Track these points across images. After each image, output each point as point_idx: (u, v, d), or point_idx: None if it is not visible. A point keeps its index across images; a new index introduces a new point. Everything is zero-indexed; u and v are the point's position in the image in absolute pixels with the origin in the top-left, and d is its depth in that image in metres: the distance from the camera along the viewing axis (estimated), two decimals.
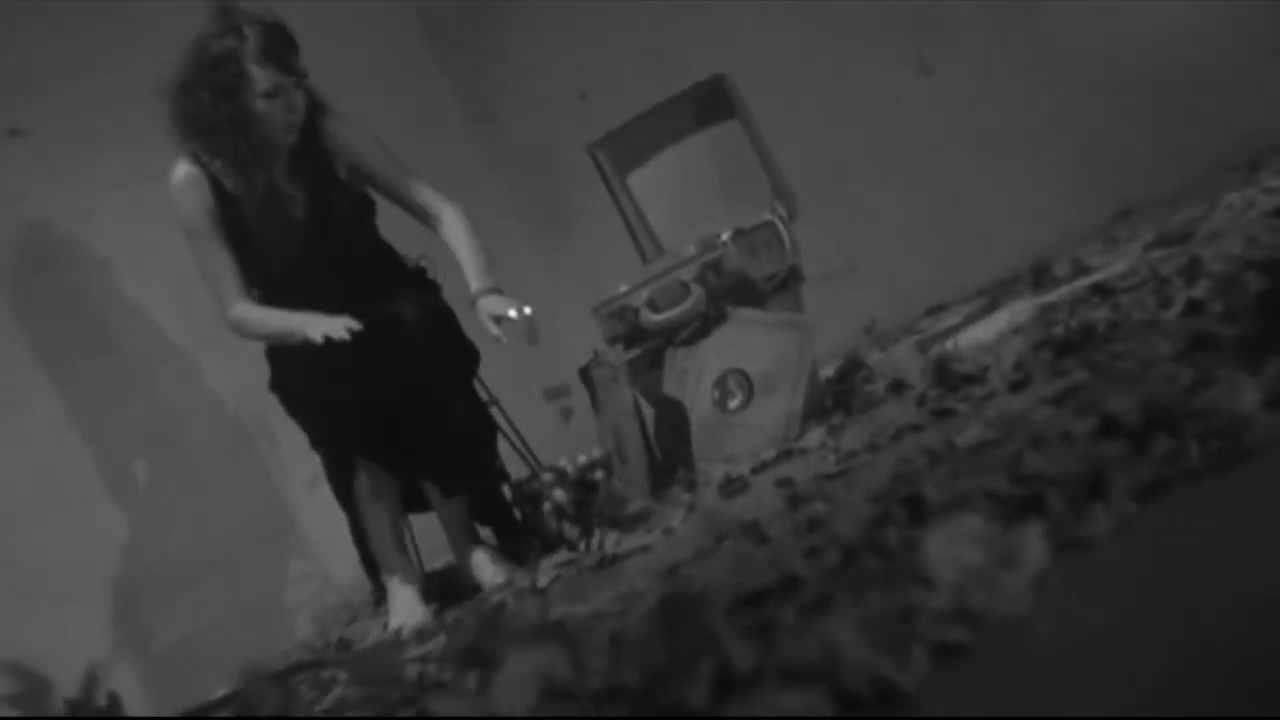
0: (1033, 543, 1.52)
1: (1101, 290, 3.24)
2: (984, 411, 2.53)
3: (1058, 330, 2.82)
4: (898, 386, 3.40)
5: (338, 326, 3.37)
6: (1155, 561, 1.49)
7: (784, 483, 2.75)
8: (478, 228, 3.60)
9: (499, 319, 3.45)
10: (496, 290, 3.49)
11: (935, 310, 4.81)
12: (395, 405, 3.47)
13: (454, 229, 3.57)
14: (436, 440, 3.51)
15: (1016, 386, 2.67)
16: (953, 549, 1.49)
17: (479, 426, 3.61)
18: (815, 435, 3.38)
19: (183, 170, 3.51)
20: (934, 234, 5.07)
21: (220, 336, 3.69)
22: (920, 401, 2.96)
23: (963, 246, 4.99)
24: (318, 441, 3.56)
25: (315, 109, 3.55)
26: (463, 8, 5.74)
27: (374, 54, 5.45)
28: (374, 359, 3.42)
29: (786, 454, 3.34)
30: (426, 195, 3.62)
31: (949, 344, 3.50)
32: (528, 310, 3.41)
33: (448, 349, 3.56)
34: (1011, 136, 4.93)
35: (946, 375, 2.94)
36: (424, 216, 3.64)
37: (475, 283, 3.52)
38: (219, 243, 3.50)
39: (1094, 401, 1.92)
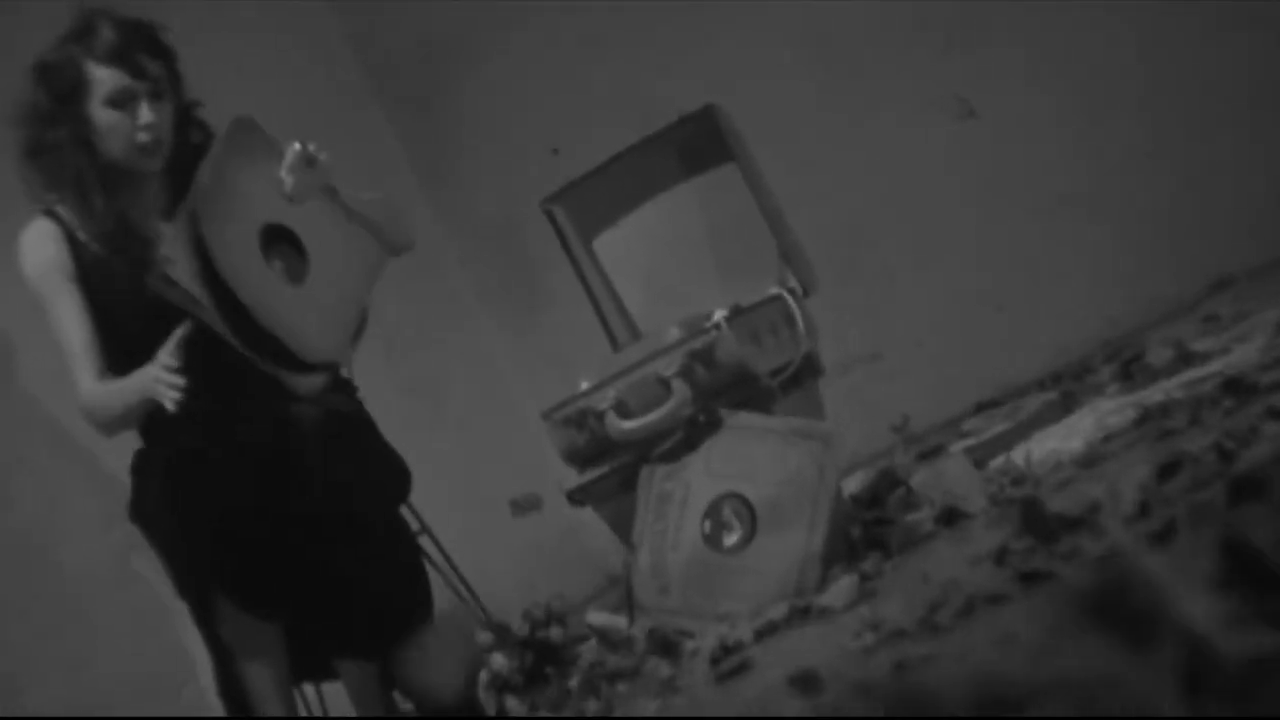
0: None
1: (1237, 387, 2.72)
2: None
3: (1194, 449, 2.24)
4: (951, 517, 2.95)
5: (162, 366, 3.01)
6: None
7: (802, 681, 2.06)
8: (432, 308, 3.46)
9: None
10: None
11: (985, 407, 4.47)
12: (289, 535, 3.07)
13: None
14: (348, 583, 3.14)
15: (1154, 541, 1.95)
16: None
17: (406, 565, 3.28)
18: (842, 587, 2.85)
19: (34, 224, 3.25)
20: (980, 312, 4.82)
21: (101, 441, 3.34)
22: (999, 557, 2.25)
23: (1016, 327, 4.73)
24: (185, 585, 3.15)
25: (202, 144, 3.28)
26: (414, 52, 5.62)
27: (311, 107, 5.25)
28: (261, 471, 3.06)
29: (803, 612, 2.85)
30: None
31: (1018, 457, 3.09)
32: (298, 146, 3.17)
33: (362, 460, 3.22)
34: (1074, 193, 4.66)
35: (1038, 520, 2.15)
36: None
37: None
38: (74, 310, 3.20)
39: None
